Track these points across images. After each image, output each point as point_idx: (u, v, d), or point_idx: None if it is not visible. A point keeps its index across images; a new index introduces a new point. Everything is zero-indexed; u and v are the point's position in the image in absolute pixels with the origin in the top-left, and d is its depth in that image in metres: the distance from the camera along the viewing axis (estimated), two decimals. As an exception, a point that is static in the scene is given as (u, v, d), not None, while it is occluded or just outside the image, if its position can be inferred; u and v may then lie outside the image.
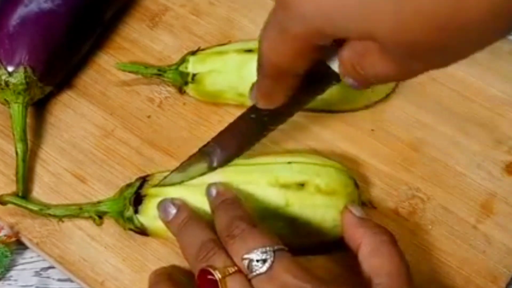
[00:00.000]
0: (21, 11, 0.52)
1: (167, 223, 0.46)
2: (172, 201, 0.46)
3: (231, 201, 0.44)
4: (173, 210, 0.45)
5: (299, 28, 0.34)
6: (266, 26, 0.36)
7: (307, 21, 0.33)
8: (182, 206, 0.46)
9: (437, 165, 0.52)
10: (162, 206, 0.46)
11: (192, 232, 0.43)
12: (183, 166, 0.47)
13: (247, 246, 0.39)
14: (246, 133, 0.47)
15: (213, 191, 0.45)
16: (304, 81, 0.39)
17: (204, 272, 0.40)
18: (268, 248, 0.39)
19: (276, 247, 0.39)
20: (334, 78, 0.39)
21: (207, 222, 0.44)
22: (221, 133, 0.48)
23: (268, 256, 0.39)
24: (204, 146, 0.48)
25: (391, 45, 0.31)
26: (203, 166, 0.47)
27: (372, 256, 0.42)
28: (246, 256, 0.39)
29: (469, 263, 0.49)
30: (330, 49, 0.37)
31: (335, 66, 0.38)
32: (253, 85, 0.42)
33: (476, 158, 0.53)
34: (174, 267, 0.48)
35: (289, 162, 0.47)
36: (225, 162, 0.47)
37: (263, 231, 0.41)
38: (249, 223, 0.41)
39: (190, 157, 0.48)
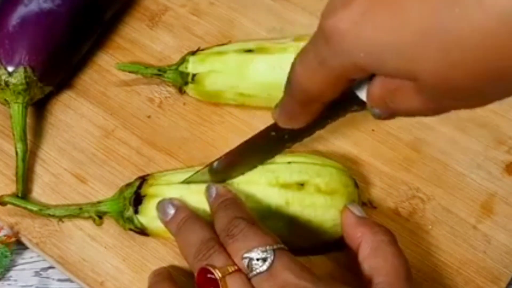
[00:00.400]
0: (21, 11, 0.52)
1: (165, 223, 0.46)
2: (171, 201, 0.46)
3: (230, 201, 0.44)
4: (171, 211, 0.45)
5: (339, 62, 0.33)
6: (304, 51, 0.35)
7: (349, 56, 0.32)
8: (180, 206, 0.46)
9: (437, 165, 0.52)
10: (161, 206, 0.46)
11: (191, 231, 0.43)
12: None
13: (247, 245, 0.39)
14: (264, 150, 0.47)
15: (213, 192, 0.45)
16: (329, 105, 0.39)
17: (204, 271, 0.40)
18: (268, 247, 0.39)
19: (276, 246, 0.39)
20: (359, 105, 0.39)
21: (206, 221, 0.44)
22: (239, 147, 0.47)
23: (268, 255, 0.39)
24: (218, 159, 0.47)
25: (431, 87, 0.31)
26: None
27: (372, 256, 0.42)
28: (246, 255, 0.39)
29: (469, 263, 0.49)
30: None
31: (362, 94, 0.37)
32: (277, 104, 0.41)
33: (476, 158, 0.53)
34: (173, 267, 0.48)
35: (289, 162, 0.47)
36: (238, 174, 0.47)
37: (263, 230, 0.41)
38: (248, 222, 0.41)
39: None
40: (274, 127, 0.43)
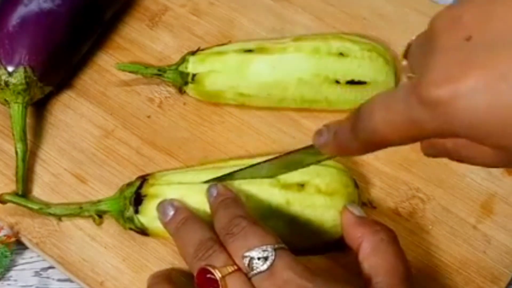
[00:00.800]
0: (21, 11, 0.52)
1: (164, 224, 0.46)
2: (171, 202, 0.46)
3: (231, 200, 0.44)
4: (171, 211, 0.45)
5: (436, 127, 0.31)
6: (390, 100, 0.33)
7: (450, 126, 0.31)
8: (180, 207, 0.46)
9: (437, 165, 0.52)
10: (161, 207, 0.46)
11: (190, 230, 0.43)
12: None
13: (248, 244, 0.39)
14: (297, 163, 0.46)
15: (214, 192, 0.45)
16: None
17: (204, 271, 0.40)
18: (269, 246, 0.39)
19: (277, 245, 0.39)
20: None
21: (206, 222, 0.44)
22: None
23: (269, 254, 0.38)
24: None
25: None
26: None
27: (372, 256, 0.42)
28: (246, 254, 0.39)
29: (469, 263, 0.49)
30: None
31: None
32: (321, 130, 0.39)
33: (476, 158, 0.53)
34: (173, 269, 0.48)
35: None
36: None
37: (263, 229, 0.41)
38: (249, 221, 0.41)
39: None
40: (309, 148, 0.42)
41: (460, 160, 0.35)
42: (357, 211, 0.45)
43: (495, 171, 0.52)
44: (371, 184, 0.52)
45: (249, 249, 0.39)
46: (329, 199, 0.46)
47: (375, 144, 0.35)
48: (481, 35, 0.30)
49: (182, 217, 0.45)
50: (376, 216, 0.50)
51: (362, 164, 0.52)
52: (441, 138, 0.33)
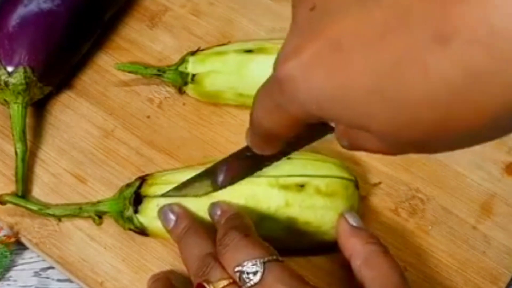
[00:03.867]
0: (20, 11, 0.51)
1: (168, 231, 0.46)
2: (171, 208, 0.46)
3: (233, 215, 0.44)
4: (172, 218, 0.46)
5: (294, 109, 0.31)
6: (262, 91, 0.33)
7: (302, 106, 0.30)
8: (181, 214, 0.46)
9: (437, 166, 0.52)
10: (163, 213, 0.46)
11: (191, 244, 0.43)
12: (183, 185, 0.47)
13: (238, 258, 0.39)
14: (241, 169, 0.46)
15: (217, 210, 0.45)
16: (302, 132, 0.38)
17: (200, 286, 0.40)
18: (258, 260, 0.39)
19: (267, 258, 0.39)
20: (332, 130, 0.38)
21: (206, 231, 0.44)
22: (214, 166, 0.47)
23: (258, 268, 0.39)
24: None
25: (385, 138, 0.30)
26: (207, 183, 0.47)
27: (364, 268, 0.42)
28: (237, 268, 0.39)
29: (469, 263, 0.49)
30: None
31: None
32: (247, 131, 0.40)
33: (476, 159, 0.53)
34: (172, 272, 0.48)
35: (289, 158, 0.47)
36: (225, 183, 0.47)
37: (255, 242, 0.41)
38: (241, 233, 0.41)
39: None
40: (248, 148, 0.43)
41: (363, 149, 0.33)
42: (353, 220, 0.45)
43: (495, 171, 0.52)
44: (371, 184, 0.52)
45: (239, 263, 0.39)
46: (329, 200, 0.46)
47: (267, 137, 0.35)
48: (323, 3, 0.28)
49: (183, 226, 0.45)
50: (376, 216, 0.50)
51: (362, 164, 0.52)
52: (307, 121, 0.31)
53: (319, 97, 0.29)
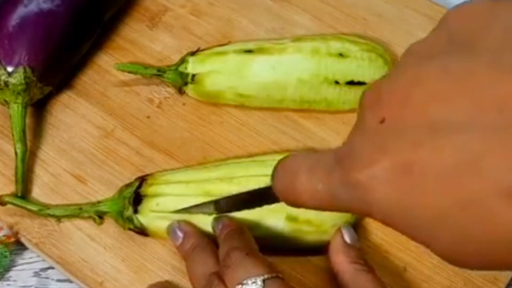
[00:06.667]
0: (20, 11, 0.51)
1: (176, 248, 0.47)
2: (178, 225, 0.47)
3: (234, 231, 0.45)
4: (180, 235, 0.46)
5: (354, 207, 0.30)
6: (316, 163, 0.31)
7: (367, 208, 0.29)
8: (188, 231, 0.46)
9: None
10: (171, 230, 0.47)
11: (198, 262, 0.44)
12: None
13: (238, 277, 0.40)
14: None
15: (220, 225, 0.46)
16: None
17: None
18: (258, 278, 0.40)
19: (266, 276, 0.40)
20: None
21: (213, 249, 0.45)
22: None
23: (258, 286, 0.40)
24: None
25: (444, 258, 0.29)
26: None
27: (352, 285, 0.44)
28: (238, 287, 0.40)
29: (469, 263, 0.49)
30: None
31: None
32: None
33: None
34: (168, 283, 0.48)
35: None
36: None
37: (255, 259, 0.41)
38: (242, 252, 0.42)
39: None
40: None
41: None
42: (348, 236, 0.46)
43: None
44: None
45: (240, 282, 0.40)
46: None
47: (289, 202, 0.34)
48: (393, 119, 0.28)
49: (191, 243, 0.46)
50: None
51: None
52: (363, 216, 0.32)
53: (387, 210, 0.28)
